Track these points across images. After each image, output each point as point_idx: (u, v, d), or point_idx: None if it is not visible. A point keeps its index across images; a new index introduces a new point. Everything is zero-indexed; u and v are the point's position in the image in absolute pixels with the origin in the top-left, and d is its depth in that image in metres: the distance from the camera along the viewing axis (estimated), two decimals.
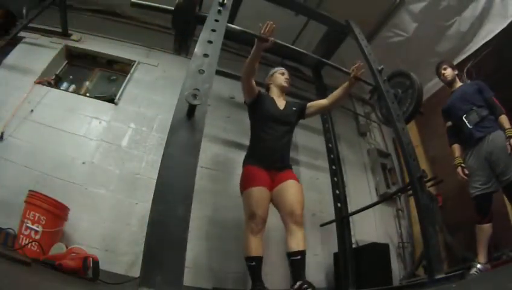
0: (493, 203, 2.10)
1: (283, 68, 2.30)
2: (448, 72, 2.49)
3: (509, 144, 2.04)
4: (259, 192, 1.79)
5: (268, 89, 2.26)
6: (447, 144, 2.49)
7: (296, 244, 1.65)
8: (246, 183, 1.86)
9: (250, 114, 2.14)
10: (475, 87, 2.37)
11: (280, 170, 1.92)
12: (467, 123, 2.25)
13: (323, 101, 2.23)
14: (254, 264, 1.68)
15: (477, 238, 2.02)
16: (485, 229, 2.02)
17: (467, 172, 2.24)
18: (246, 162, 1.98)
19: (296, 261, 1.63)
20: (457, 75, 2.53)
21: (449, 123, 2.47)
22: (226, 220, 2.56)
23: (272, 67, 2.40)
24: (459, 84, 2.49)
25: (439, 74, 2.54)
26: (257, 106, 2.06)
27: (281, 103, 2.13)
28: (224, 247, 2.44)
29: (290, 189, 1.82)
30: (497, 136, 2.11)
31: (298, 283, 1.54)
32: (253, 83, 2.01)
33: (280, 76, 2.22)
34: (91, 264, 1.60)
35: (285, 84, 2.19)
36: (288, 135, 2.07)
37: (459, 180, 2.30)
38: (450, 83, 2.51)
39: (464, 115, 2.27)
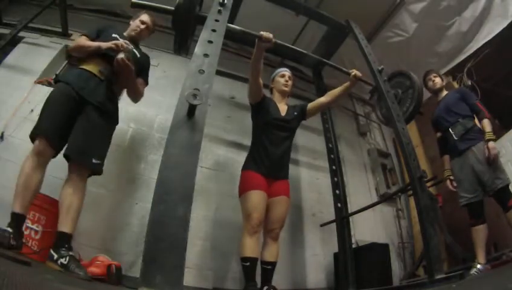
0: (492, 203, 2.12)
1: (284, 69, 2.30)
2: (438, 81, 2.56)
3: (487, 147, 2.10)
4: (257, 195, 1.85)
5: (272, 92, 2.28)
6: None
7: (269, 256, 1.88)
8: (245, 186, 1.92)
9: (253, 116, 2.16)
10: (457, 95, 2.43)
11: (277, 179, 1.98)
12: (453, 135, 2.31)
13: (322, 99, 2.26)
14: (248, 265, 1.77)
15: (474, 240, 2.06)
16: (481, 230, 2.05)
17: (455, 184, 2.32)
18: (245, 167, 2.01)
19: (267, 270, 1.87)
20: (444, 85, 2.60)
21: (439, 134, 2.52)
22: (226, 220, 2.56)
23: (272, 67, 2.40)
24: (444, 93, 2.55)
25: (426, 82, 2.58)
26: (260, 110, 2.09)
27: (282, 108, 2.14)
28: (224, 247, 2.44)
29: (278, 206, 1.94)
30: (480, 148, 2.16)
31: (265, 288, 1.80)
32: (261, 83, 2.01)
33: (280, 79, 2.22)
34: (114, 271, 1.66)
35: (284, 88, 2.20)
36: (289, 140, 2.11)
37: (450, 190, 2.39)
38: (437, 92, 2.56)
39: (450, 127, 2.34)
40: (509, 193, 2.05)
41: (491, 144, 2.11)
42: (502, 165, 2.15)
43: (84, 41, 1.77)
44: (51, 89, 2.33)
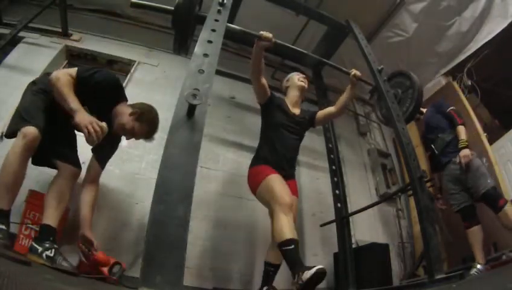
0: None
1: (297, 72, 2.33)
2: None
3: (459, 155, 2.23)
4: (278, 178, 1.79)
5: (286, 92, 2.26)
6: None
7: (274, 258, 1.85)
8: (262, 174, 1.82)
9: (262, 116, 2.14)
10: (432, 109, 2.59)
11: (286, 179, 1.93)
12: (435, 150, 2.47)
13: (331, 109, 2.25)
14: (293, 248, 1.48)
15: (471, 242, 2.11)
16: (476, 232, 2.12)
17: (441, 202, 2.53)
18: (255, 163, 1.96)
19: (270, 271, 1.85)
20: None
21: (428, 153, 2.66)
22: (226, 220, 2.56)
23: (272, 67, 2.40)
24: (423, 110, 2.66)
25: None
26: (270, 109, 2.06)
27: (295, 111, 2.12)
28: (225, 247, 2.44)
29: None
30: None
31: (265, 288, 1.80)
32: (264, 82, 1.98)
33: (295, 76, 2.24)
34: (118, 270, 1.68)
35: (300, 83, 2.19)
36: (297, 144, 2.11)
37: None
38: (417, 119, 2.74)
39: (432, 143, 2.50)
40: (494, 195, 2.13)
41: (462, 151, 2.22)
42: (484, 170, 2.23)
43: (68, 86, 1.48)
44: None
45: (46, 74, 1.77)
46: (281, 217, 1.57)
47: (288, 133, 2.02)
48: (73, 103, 1.45)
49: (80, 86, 1.54)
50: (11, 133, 1.52)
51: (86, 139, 1.44)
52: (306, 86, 2.22)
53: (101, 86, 1.62)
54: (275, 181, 1.74)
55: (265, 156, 1.95)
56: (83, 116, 1.43)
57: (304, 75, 2.27)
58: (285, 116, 2.04)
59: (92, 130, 1.40)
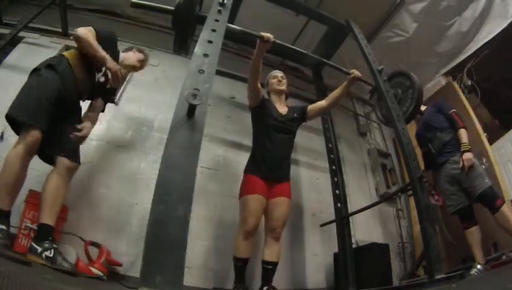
0: None
1: (275, 71, 2.34)
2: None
3: (462, 158, 2.19)
4: (254, 200, 1.87)
5: (269, 95, 2.29)
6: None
7: (270, 256, 1.89)
8: (244, 190, 1.95)
9: (253, 119, 2.17)
10: (433, 109, 2.55)
11: (278, 182, 1.99)
12: (432, 149, 2.42)
13: (322, 103, 2.26)
14: (240, 265, 1.84)
15: (470, 242, 2.10)
16: (474, 232, 2.11)
17: (436, 198, 2.48)
18: (247, 170, 2.03)
19: (268, 269, 1.88)
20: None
21: (422, 150, 2.60)
22: (225, 220, 2.56)
23: (272, 67, 2.40)
24: (423, 109, 2.63)
25: None
26: (260, 113, 2.09)
27: (282, 110, 2.15)
28: (224, 247, 2.43)
29: (279, 207, 1.95)
30: (458, 160, 2.25)
31: (265, 288, 1.82)
32: (259, 86, 2.02)
33: (273, 80, 2.26)
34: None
35: (278, 87, 2.21)
36: (290, 142, 2.13)
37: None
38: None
39: (429, 142, 2.46)
40: (491, 196, 2.11)
41: (465, 155, 2.19)
42: (481, 170, 2.23)
43: (95, 40, 1.74)
44: None
45: (60, 57, 1.82)
46: (239, 238, 1.86)
47: (280, 135, 2.04)
48: (103, 52, 1.72)
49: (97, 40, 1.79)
50: (14, 121, 1.55)
51: (111, 81, 1.84)
52: (284, 87, 2.24)
53: (111, 40, 1.92)
54: (249, 204, 1.87)
55: (258, 162, 2.00)
56: (113, 63, 1.75)
57: (281, 74, 2.28)
58: (275, 118, 2.07)
59: (119, 75, 1.77)
